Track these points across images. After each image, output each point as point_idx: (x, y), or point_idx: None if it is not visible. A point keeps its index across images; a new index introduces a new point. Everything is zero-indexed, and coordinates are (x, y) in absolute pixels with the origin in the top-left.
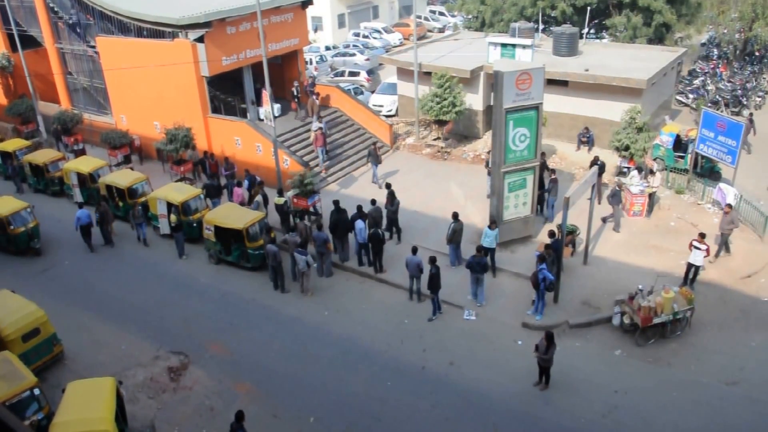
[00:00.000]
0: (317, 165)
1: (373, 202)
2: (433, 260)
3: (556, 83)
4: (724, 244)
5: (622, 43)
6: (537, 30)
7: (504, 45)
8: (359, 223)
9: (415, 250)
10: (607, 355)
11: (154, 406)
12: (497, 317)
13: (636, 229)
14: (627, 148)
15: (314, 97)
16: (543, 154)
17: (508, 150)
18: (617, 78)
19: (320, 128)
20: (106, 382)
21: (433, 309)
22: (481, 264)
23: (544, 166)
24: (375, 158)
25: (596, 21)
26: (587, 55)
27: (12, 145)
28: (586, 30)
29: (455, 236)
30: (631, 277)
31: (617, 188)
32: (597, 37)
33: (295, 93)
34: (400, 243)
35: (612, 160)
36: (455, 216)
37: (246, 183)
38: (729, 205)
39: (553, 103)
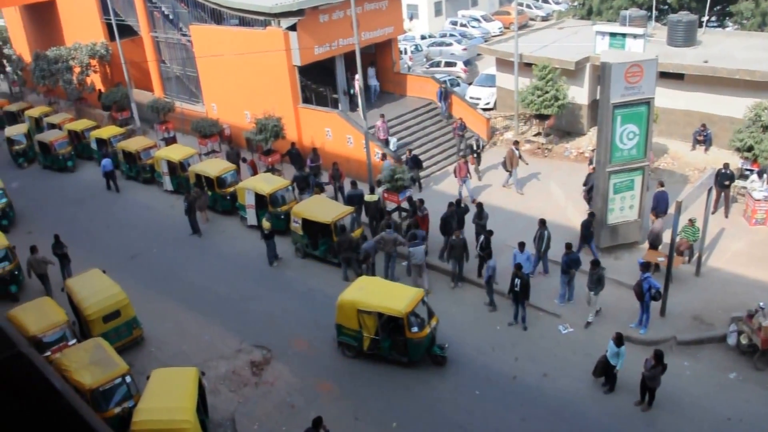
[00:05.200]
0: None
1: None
2: (519, 267)
3: (670, 76)
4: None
5: (749, 31)
6: (650, 18)
7: (613, 34)
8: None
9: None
10: (719, 377)
11: (235, 399)
12: (596, 328)
13: (758, 239)
14: (750, 148)
15: (514, 147)
16: None
17: (615, 148)
18: (741, 70)
19: (463, 156)
20: (190, 372)
21: (515, 315)
22: (575, 260)
23: None
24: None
25: (718, 7)
26: (707, 46)
27: (107, 132)
28: (706, 17)
29: (548, 245)
30: (751, 292)
31: None
32: (719, 26)
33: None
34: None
35: (733, 161)
36: (542, 223)
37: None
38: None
39: (666, 97)
